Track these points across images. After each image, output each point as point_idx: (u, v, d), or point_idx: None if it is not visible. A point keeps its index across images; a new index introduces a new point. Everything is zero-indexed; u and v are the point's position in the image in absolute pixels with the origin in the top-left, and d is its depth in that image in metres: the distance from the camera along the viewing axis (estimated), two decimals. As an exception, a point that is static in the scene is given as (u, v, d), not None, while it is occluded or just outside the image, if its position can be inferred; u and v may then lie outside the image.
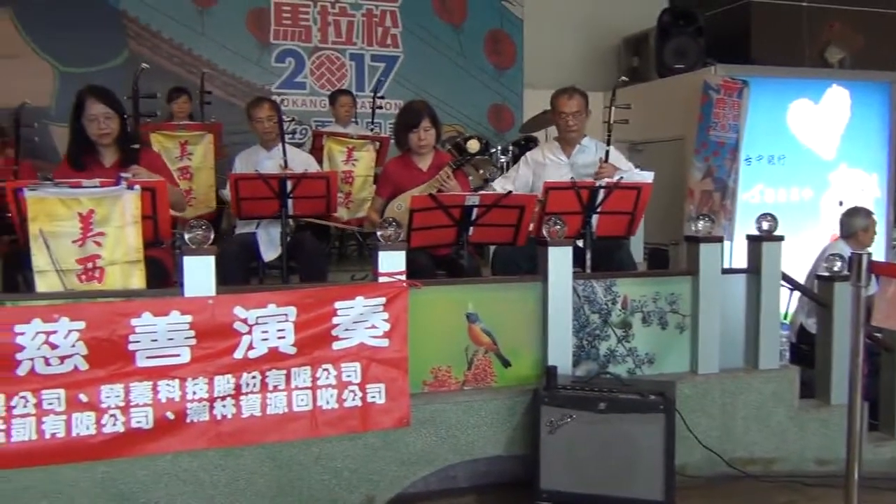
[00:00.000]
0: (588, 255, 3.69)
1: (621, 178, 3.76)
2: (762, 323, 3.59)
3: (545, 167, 4.17)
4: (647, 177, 3.83)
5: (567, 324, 3.33)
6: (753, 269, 3.63)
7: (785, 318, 3.98)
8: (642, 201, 3.70)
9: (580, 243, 3.68)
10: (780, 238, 3.61)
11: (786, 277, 3.70)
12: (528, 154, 4.38)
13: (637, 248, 4.94)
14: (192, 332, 2.74)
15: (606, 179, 3.75)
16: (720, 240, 3.63)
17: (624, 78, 4.42)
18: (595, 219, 3.72)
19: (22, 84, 6.27)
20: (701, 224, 3.51)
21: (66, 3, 6.92)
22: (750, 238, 3.68)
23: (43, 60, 6.91)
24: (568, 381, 3.16)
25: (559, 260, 3.28)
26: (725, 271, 3.63)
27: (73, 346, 2.61)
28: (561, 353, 3.30)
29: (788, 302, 3.77)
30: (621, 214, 3.73)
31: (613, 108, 4.06)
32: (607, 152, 4.04)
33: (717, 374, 3.52)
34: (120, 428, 2.66)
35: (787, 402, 3.58)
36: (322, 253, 4.50)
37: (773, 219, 3.59)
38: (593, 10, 8.46)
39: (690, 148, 6.51)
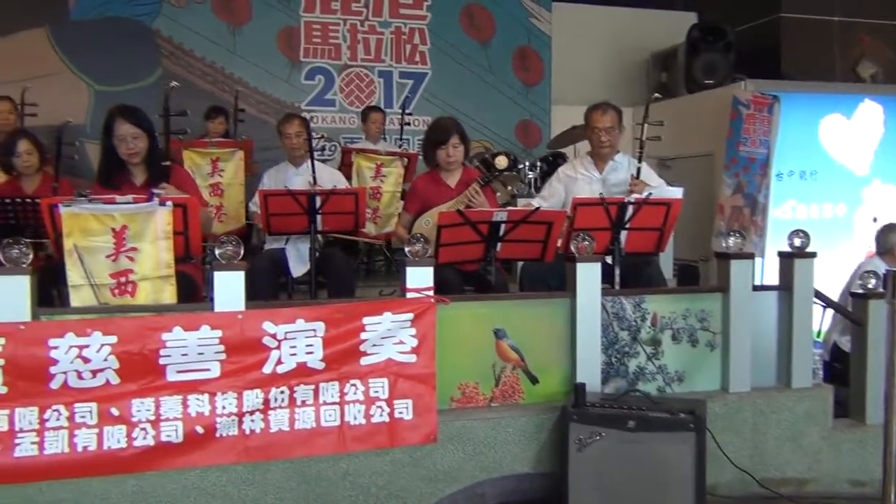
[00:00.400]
0: (617, 272, 3.66)
1: (650, 193, 3.73)
2: (795, 341, 3.54)
3: (577, 182, 4.16)
4: (677, 193, 3.80)
5: (595, 341, 3.30)
6: (785, 287, 3.58)
7: (818, 335, 3.91)
8: (672, 217, 3.68)
9: (609, 259, 3.66)
10: (813, 255, 3.56)
11: (819, 295, 3.64)
12: (560, 170, 4.37)
13: (667, 264, 4.89)
14: (222, 347, 2.75)
15: (635, 195, 3.73)
16: (751, 256, 3.59)
17: (657, 95, 4.40)
18: (624, 235, 3.69)
19: (58, 102, 6.41)
20: (731, 240, 3.47)
21: (102, 23, 7.08)
22: (782, 255, 3.63)
23: (78, 79, 7.05)
24: (597, 398, 3.13)
25: (588, 276, 3.27)
26: (756, 288, 3.59)
27: (106, 359, 2.64)
28: (589, 371, 3.27)
29: (822, 319, 3.71)
30: (651, 230, 3.70)
31: (646, 124, 4.04)
32: (639, 169, 4.02)
33: (748, 393, 3.47)
34: (150, 441, 2.68)
35: (820, 421, 3.52)
36: (350, 268, 4.52)
37: (806, 235, 3.55)
38: (621, 26, 8.46)
39: (720, 163, 6.46)
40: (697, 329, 3.50)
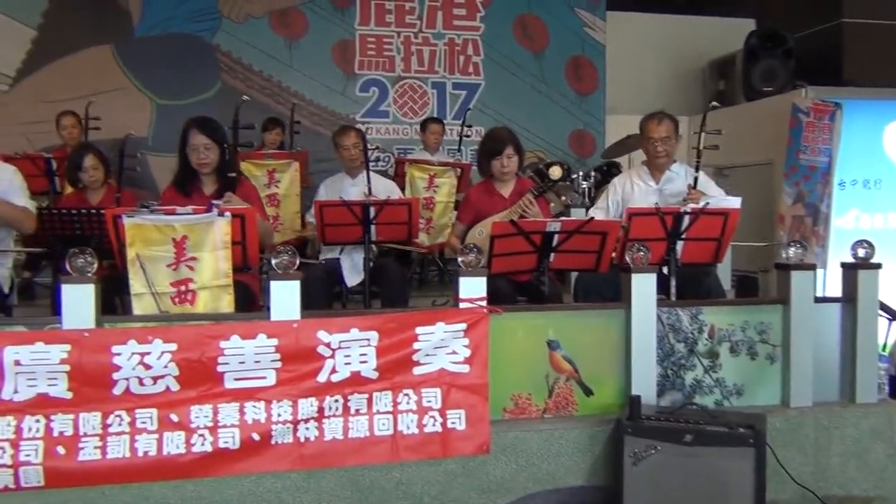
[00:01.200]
0: (673, 282, 3.61)
1: (707, 203, 3.67)
2: (859, 354, 3.43)
3: (633, 193, 4.12)
4: (735, 202, 3.73)
5: (651, 352, 3.25)
6: (849, 298, 3.48)
7: (883, 349, 3.79)
8: (729, 227, 3.61)
9: (665, 270, 3.61)
10: (878, 266, 3.45)
11: (884, 307, 3.53)
12: (615, 180, 4.34)
13: (725, 275, 4.80)
14: (278, 355, 2.79)
15: (692, 205, 3.67)
16: (812, 267, 3.49)
17: (715, 103, 4.33)
18: (680, 245, 3.64)
19: (122, 116, 6.62)
20: (792, 251, 3.39)
21: (164, 39, 7.30)
22: (845, 266, 3.53)
23: (141, 93, 7.27)
24: (652, 411, 3.08)
25: (643, 287, 3.22)
26: (818, 300, 3.49)
27: (166, 366, 2.70)
28: (645, 383, 3.22)
29: (887, 333, 3.60)
30: (708, 241, 3.64)
31: (703, 133, 3.98)
32: (696, 178, 3.97)
33: (810, 408, 3.37)
34: (208, 448, 2.72)
35: (886, 437, 3.40)
36: (404, 278, 4.55)
37: (870, 245, 3.44)
38: (677, 34, 8.37)
39: (780, 172, 6.32)
40: (757, 342, 3.42)
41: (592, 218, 3.60)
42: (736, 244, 4.25)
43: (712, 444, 2.87)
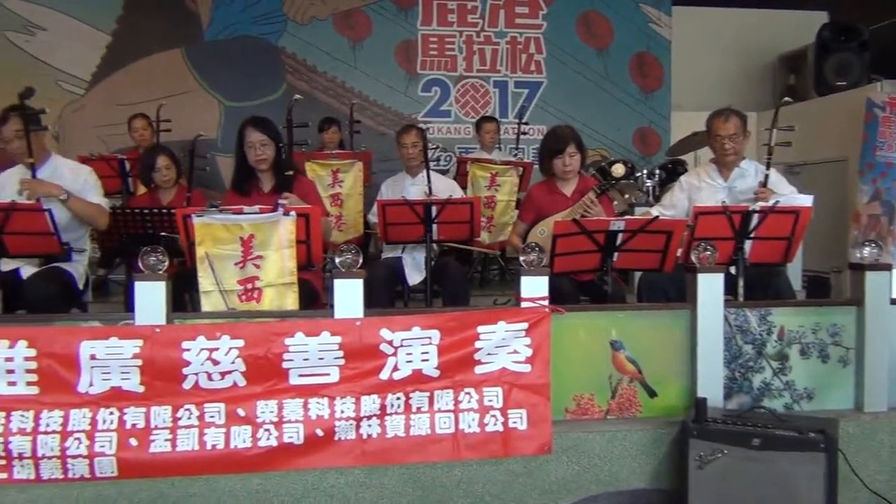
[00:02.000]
0: (741, 283, 3.53)
1: (777, 201, 3.58)
2: (938, 358, 3.30)
3: (700, 191, 4.04)
4: (807, 200, 3.62)
5: (718, 354, 3.19)
6: (927, 300, 3.35)
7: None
8: (800, 226, 3.51)
9: (733, 270, 3.53)
10: (960, 266, 3.31)
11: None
12: (681, 178, 4.26)
13: (795, 275, 4.67)
14: (341, 353, 2.82)
15: (761, 203, 3.58)
16: (889, 267, 3.36)
17: (787, 99, 4.22)
18: (748, 244, 3.56)
19: (192, 118, 6.81)
20: (867, 250, 3.27)
21: (232, 42, 7.47)
22: (923, 266, 3.39)
23: (210, 96, 7.46)
24: (718, 414, 3.01)
25: (709, 287, 3.16)
26: (895, 301, 3.36)
27: (233, 362, 2.76)
28: (711, 385, 3.16)
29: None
30: (778, 240, 3.55)
31: (775, 130, 3.88)
32: (766, 176, 3.87)
33: (885, 413, 3.25)
34: (273, 442, 2.77)
35: (966, 445, 3.26)
36: (465, 277, 4.56)
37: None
38: (745, 28, 8.18)
39: (854, 169, 6.11)
40: (829, 344, 3.31)
41: (657, 217, 3.54)
42: (808, 243, 4.13)
43: (781, 448, 2.80)
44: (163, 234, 4.05)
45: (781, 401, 3.29)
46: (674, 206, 4.11)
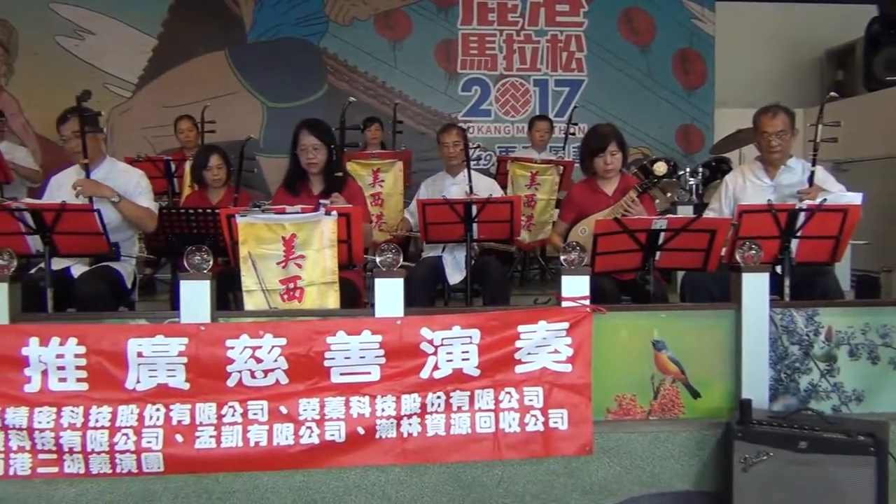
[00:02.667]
0: (787, 282, 3.47)
1: (825, 199, 3.50)
2: None
3: (746, 190, 3.98)
4: (855, 198, 3.54)
5: (763, 355, 3.13)
6: (983, 300, 3.25)
7: None
8: (849, 225, 3.43)
9: (778, 269, 3.47)
10: None
11: None
12: (726, 178, 4.20)
13: (844, 275, 4.57)
14: (382, 351, 2.84)
15: (808, 202, 3.51)
16: (941, 267, 3.29)
17: (833, 94, 4.13)
18: (795, 243, 3.49)
19: (235, 119, 6.92)
20: (919, 249, 3.20)
21: (274, 44, 7.56)
22: (979, 265, 3.30)
23: (253, 97, 7.56)
24: (764, 416, 2.96)
25: (754, 287, 3.11)
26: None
27: (276, 360, 2.79)
28: (756, 386, 3.11)
29: None
30: (825, 239, 3.48)
31: (821, 125, 3.80)
32: (812, 173, 3.79)
33: (938, 416, 3.17)
34: (315, 440, 2.80)
35: None
36: (505, 276, 4.55)
37: None
38: (792, 23, 8.03)
39: (905, 166, 5.97)
40: (879, 345, 3.24)
41: (700, 216, 3.49)
42: (856, 242, 4.04)
43: (829, 451, 2.74)
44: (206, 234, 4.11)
45: (829, 403, 3.23)
46: (721, 208, 4.05)
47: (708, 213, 4.13)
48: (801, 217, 3.43)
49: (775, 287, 3.31)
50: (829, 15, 7.96)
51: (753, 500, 2.81)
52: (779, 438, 2.80)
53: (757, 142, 3.99)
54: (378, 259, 2.96)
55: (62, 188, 3.84)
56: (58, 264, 3.66)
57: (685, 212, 5.40)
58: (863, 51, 7.09)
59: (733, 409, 3.07)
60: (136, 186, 3.90)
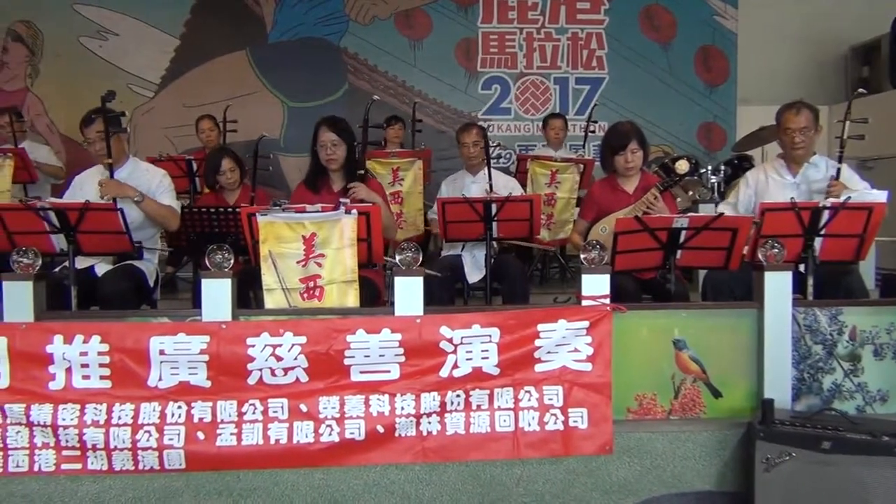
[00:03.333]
0: (810, 281, 3.43)
1: (849, 197, 3.46)
2: None
3: (768, 187, 3.94)
4: (880, 196, 3.49)
5: (786, 354, 3.10)
6: None
7: None
8: (874, 223, 3.39)
9: (802, 268, 3.43)
10: None
11: None
12: (748, 174, 4.16)
13: (868, 273, 4.51)
14: (402, 350, 2.84)
15: (832, 200, 3.48)
16: (969, 266, 3.24)
17: (861, 90, 4.09)
18: (819, 242, 3.45)
19: (256, 119, 6.95)
20: (945, 248, 3.15)
21: (295, 44, 7.59)
22: None
23: (274, 96, 7.60)
24: (786, 415, 2.93)
25: (777, 285, 3.08)
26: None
27: (296, 358, 2.80)
28: (778, 386, 3.08)
29: None
30: (849, 237, 3.44)
31: (848, 122, 3.76)
32: (838, 170, 3.76)
33: (965, 417, 3.13)
34: (335, 438, 2.81)
35: None
36: (525, 275, 4.55)
37: None
38: (815, 19, 7.93)
39: (932, 164, 5.88)
40: (904, 345, 3.20)
41: (722, 214, 3.46)
42: (881, 240, 3.99)
43: (853, 452, 2.71)
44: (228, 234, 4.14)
45: (853, 403, 3.19)
46: (740, 203, 4.02)
47: (722, 207, 4.10)
48: (825, 215, 3.40)
49: (798, 286, 3.28)
50: (854, 11, 7.87)
51: (776, 501, 2.78)
52: (802, 439, 2.77)
53: (780, 138, 3.96)
54: (398, 258, 2.96)
55: (85, 187, 3.89)
56: (81, 263, 3.71)
57: (707, 210, 5.35)
58: (888, 47, 6.99)
59: (755, 408, 3.05)
60: (158, 185, 3.95)
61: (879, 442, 2.70)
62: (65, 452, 2.77)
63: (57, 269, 3.67)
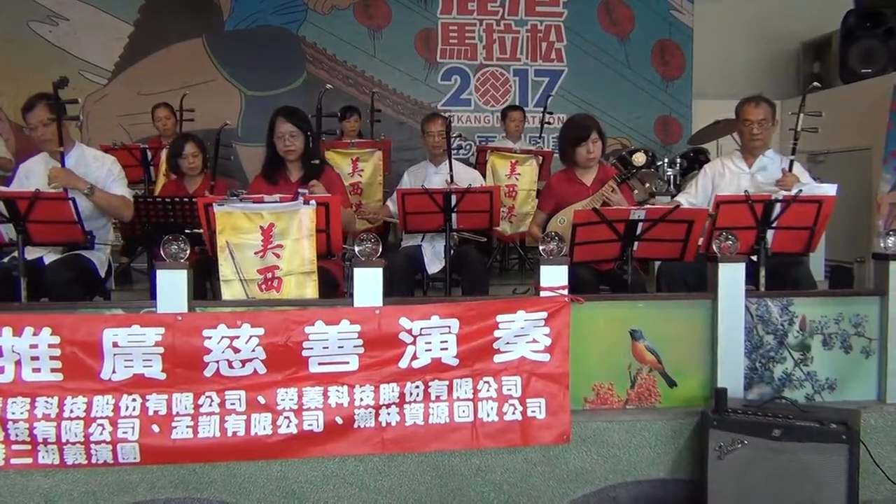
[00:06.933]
0: (762, 272, 3.50)
1: (801, 190, 3.54)
2: (963, 349, 3.25)
3: (723, 177, 4.03)
4: (830, 189, 3.58)
5: (738, 344, 3.17)
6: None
7: None
8: (823, 215, 3.48)
9: (754, 259, 3.50)
10: None
11: None
12: (706, 166, 4.25)
13: (818, 265, 4.63)
14: (361, 341, 2.83)
15: (783, 193, 3.55)
16: (913, 257, 3.33)
17: (816, 84, 4.20)
18: (770, 234, 3.53)
19: (213, 108, 6.84)
20: (891, 240, 3.24)
21: (252, 32, 7.49)
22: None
23: (231, 85, 7.49)
24: (739, 404, 3.00)
25: (730, 277, 3.14)
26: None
27: (254, 350, 2.78)
28: (731, 375, 3.14)
29: None
30: (800, 230, 3.52)
31: (802, 114, 3.85)
32: (791, 162, 3.84)
33: (909, 405, 3.22)
34: (293, 430, 2.79)
35: None
36: (484, 267, 4.55)
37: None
38: (768, 15, 8.07)
39: (878, 158, 6.03)
40: (851, 335, 3.28)
41: (678, 206, 3.52)
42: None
43: (802, 439, 2.78)
44: (187, 230, 4.07)
45: (803, 392, 3.27)
46: (698, 194, 4.09)
47: (679, 198, 4.17)
48: (777, 208, 3.47)
49: (751, 277, 3.34)
50: (806, 7, 8.01)
51: (728, 488, 2.85)
52: (753, 427, 2.84)
53: (739, 130, 4.07)
54: (357, 249, 2.95)
55: (31, 176, 3.78)
56: (31, 253, 3.61)
57: (663, 202, 5.43)
58: (839, 43, 7.14)
59: (709, 397, 3.11)
60: (108, 173, 3.85)
61: (828, 429, 2.78)
62: (14, 447, 2.71)
63: (5, 260, 3.58)
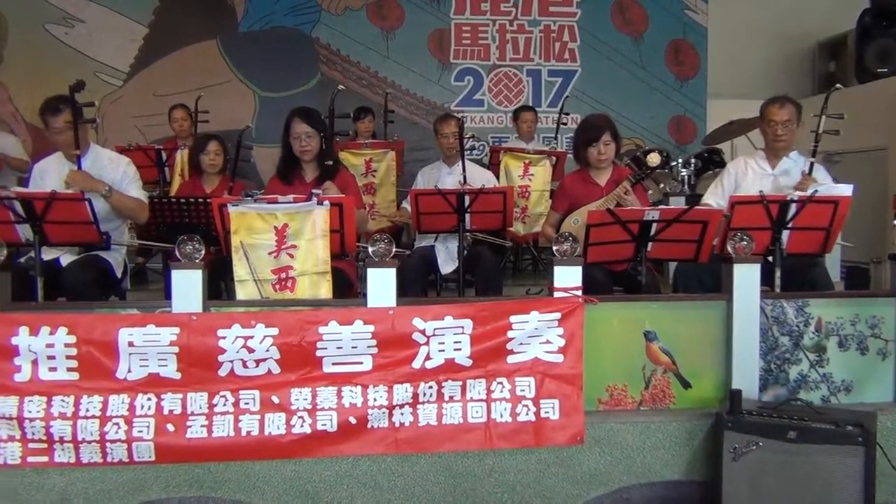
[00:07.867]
0: (778, 273, 3.48)
1: (816, 191, 3.52)
2: (981, 351, 3.22)
3: (747, 177, 4.02)
4: (846, 190, 3.56)
5: (753, 345, 3.15)
6: (970, 292, 3.27)
7: None
8: (839, 216, 3.45)
9: (770, 260, 3.48)
10: None
11: None
12: (729, 165, 4.25)
13: (834, 266, 4.59)
14: (374, 341, 2.83)
15: (799, 193, 3.53)
16: (931, 258, 3.30)
17: (838, 85, 4.18)
18: (786, 234, 3.50)
19: (228, 109, 6.88)
20: (909, 241, 3.22)
21: (266, 33, 7.52)
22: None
23: (245, 86, 7.52)
24: (754, 406, 2.98)
25: (745, 278, 3.12)
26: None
27: (268, 350, 2.79)
28: (746, 377, 3.12)
29: None
30: (816, 230, 3.49)
31: (824, 116, 3.83)
32: (812, 164, 3.82)
33: (926, 407, 3.20)
34: (307, 430, 2.80)
35: None
36: (498, 267, 4.55)
37: None
38: (784, 15, 8.02)
39: (895, 158, 5.98)
40: (868, 336, 3.26)
41: (692, 206, 3.49)
42: (842, 244, 4.07)
43: (818, 441, 2.76)
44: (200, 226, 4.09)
45: (818, 393, 3.25)
46: (725, 193, 4.06)
47: (709, 199, 4.15)
48: (793, 208, 3.44)
49: (766, 278, 3.32)
50: (821, 6, 7.97)
51: (743, 490, 2.83)
52: (768, 428, 2.82)
53: (763, 130, 4.05)
54: (370, 249, 2.95)
55: (46, 176, 3.82)
56: (47, 254, 3.64)
57: (677, 203, 5.41)
58: (854, 42, 7.09)
59: (723, 399, 3.09)
60: (123, 174, 3.88)
61: (843, 431, 2.75)
62: (31, 445, 2.73)
63: (22, 260, 3.60)
